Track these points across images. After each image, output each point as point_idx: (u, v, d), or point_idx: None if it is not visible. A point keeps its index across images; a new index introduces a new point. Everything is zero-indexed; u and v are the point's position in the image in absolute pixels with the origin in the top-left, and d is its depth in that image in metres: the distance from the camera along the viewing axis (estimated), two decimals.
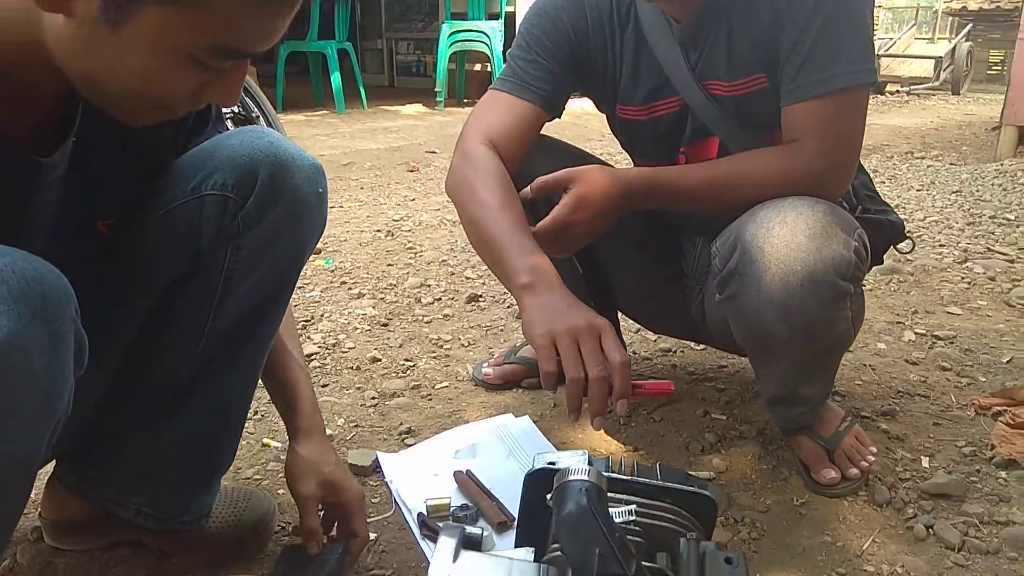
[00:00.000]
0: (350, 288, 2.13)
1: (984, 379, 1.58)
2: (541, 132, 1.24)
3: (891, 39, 10.18)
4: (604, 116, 1.36)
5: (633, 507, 0.72)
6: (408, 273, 2.27)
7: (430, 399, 1.49)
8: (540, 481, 0.81)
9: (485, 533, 0.73)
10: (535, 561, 0.71)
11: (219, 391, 0.95)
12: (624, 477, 0.80)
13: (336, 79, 5.78)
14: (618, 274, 1.40)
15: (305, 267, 0.99)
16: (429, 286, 2.15)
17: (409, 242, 2.60)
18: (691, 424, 1.40)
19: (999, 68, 12.04)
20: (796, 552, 1.07)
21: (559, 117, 1.26)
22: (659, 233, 1.38)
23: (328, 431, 1.34)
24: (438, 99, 6.22)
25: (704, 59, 1.17)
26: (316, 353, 1.68)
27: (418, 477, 1.19)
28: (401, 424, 1.38)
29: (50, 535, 1.02)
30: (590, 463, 0.74)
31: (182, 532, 0.97)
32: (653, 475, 0.82)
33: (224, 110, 1.07)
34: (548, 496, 0.71)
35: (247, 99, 2.69)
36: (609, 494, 0.72)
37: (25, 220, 0.74)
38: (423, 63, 8.04)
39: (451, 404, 1.46)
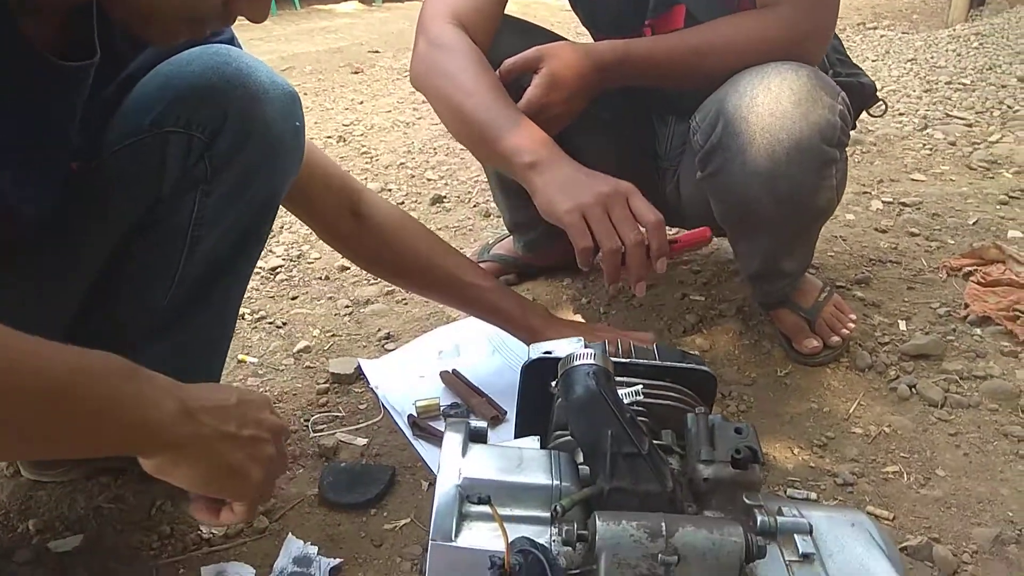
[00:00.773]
0: None
1: (952, 241, 1.60)
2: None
3: None
4: (553, 5, 1.27)
5: (640, 387, 0.71)
6: (366, 178, 2.18)
7: (405, 303, 1.45)
8: (538, 371, 0.79)
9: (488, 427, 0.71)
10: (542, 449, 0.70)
11: (198, 327, 0.90)
12: (623, 360, 0.79)
13: None
14: (587, 161, 1.35)
15: None
16: (390, 190, 2.08)
17: (363, 147, 2.50)
18: (670, 307, 1.39)
19: None
20: (784, 421, 1.09)
21: None
22: (629, 115, 1.32)
23: (304, 343, 1.31)
24: None
25: None
26: (281, 266, 1.62)
27: (403, 380, 1.17)
28: (379, 330, 1.35)
29: (27, 468, 0.97)
30: (579, 349, 0.72)
31: None
32: (651, 356, 0.81)
33: None
34: (553, 384, 0.69)
35: None
36: None
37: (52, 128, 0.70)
38: None
39: (428, 307, 1.43)
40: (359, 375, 1.20)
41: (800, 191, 1.00)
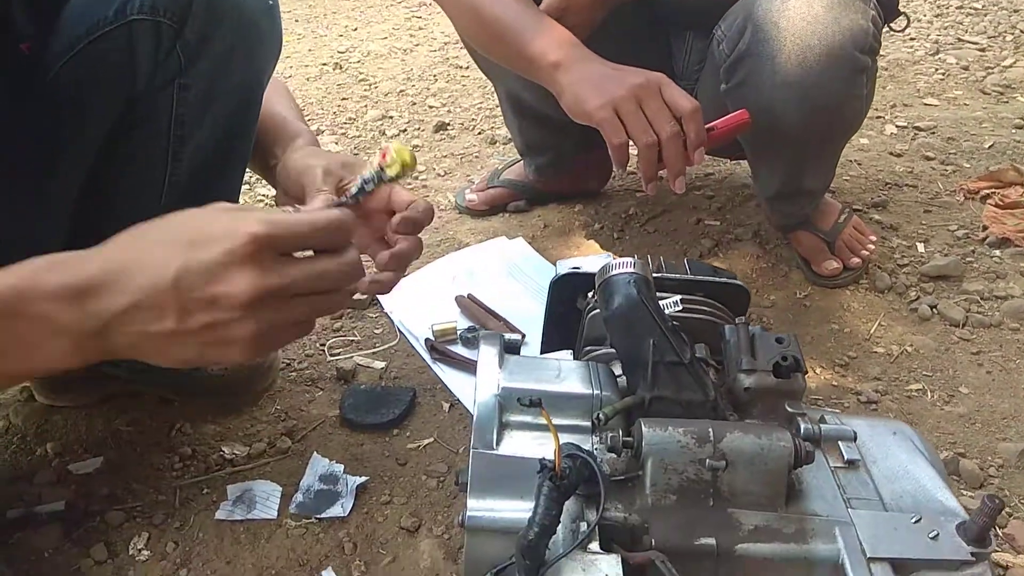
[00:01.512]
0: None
1: (968, 165, 1.57)
2: None
3: None
4: None
5: (679, 298, 0.69)
6: (366, 106, 2.12)
7: None
8: (567, 286, 0.78)
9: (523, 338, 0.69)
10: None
11: None
12: (655, 274, 0.77)
13: None
14: None
15: None
16: (391, 118, 2.02)
17: (360, 74, 2.42)
18: (685, 232, 1.37)
19: None
20: (805, 342, 1.08)
21: None
22: (645, 32, 1.27)
23: None
24: None
25: None
26: None
27: (419, 305, 1.15)
28: None
29: (41, 393, 0.96)
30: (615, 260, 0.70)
31: (181, 375, 0.92)
32: (682, 270, 0.79)
33: None
34: (590, 295, 0.67)
35: None
36: None
37: None
38: None
39: (438, 233, 1.40)
40: (373, 300, 1.18)
41: (831, 100, 0.97)
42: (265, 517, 0.81)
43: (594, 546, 0.50)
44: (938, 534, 0.53)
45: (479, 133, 1.89)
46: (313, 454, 0.87)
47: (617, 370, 0.65)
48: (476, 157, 1.76)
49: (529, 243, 1.32)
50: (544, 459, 0.49)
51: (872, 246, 1.22)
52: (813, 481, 0.57)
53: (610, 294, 0.63)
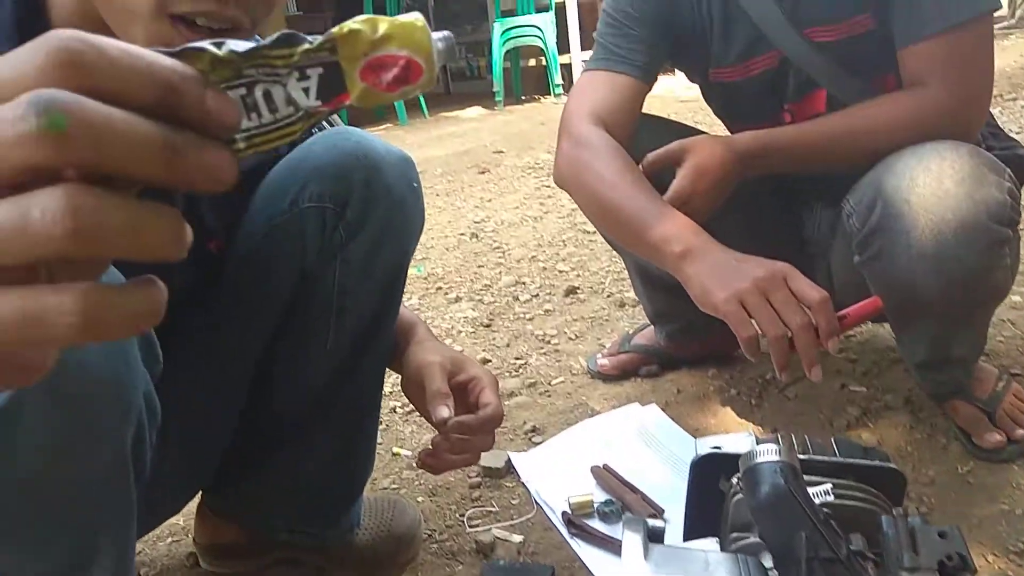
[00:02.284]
0: (446, 293, 2.12)
1: None
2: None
3: None
4: (664, 98, 1.29)
5: (829, 486, 0.67)
6: (500, 272, 2.25)
7: (549, 395, 1.46)
8: (708, 467, 0.77)
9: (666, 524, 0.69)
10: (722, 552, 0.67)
11: (350, 403, 0.94)
12: (802, 456, 0.75)
13: None
14: (731, 248, 1.34)
15: None
16: (524, 283, 2.12)
17: (495, 242, 2.58)
18: (829, 399, 1.32)
19: None
20: (972, 524, 0.99)
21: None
22: (772, 200, 1.31)
23: None
24: (497, 99, 6.21)
25: (801, 4, 1.10)
26: None
27: (555, 475, 1.16)
28: (525, 423, 1.35)
29: (206, 560, 1.03)
30: (759, 444, 0.69)
31: (334, 546, 0.97)
32: (830, 450, 0.77)
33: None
34: (734, 480, 0.67)
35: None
36: None
37: None
38: (476, 66, 8.05)
39: (571, 399, 1.43)
40: (510, 469, 1.21)
41: (970, 273, 0.95)
42: None
43: None
44: None
45: (608, 296, 1.95)
46: None
47: (767, 562, 0.63)
48: (606, 320, 1.80)
49: (663, 409, 1.32)
50: None
51: None
52: None
53: (756, 483, 0.62)
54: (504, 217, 2.91)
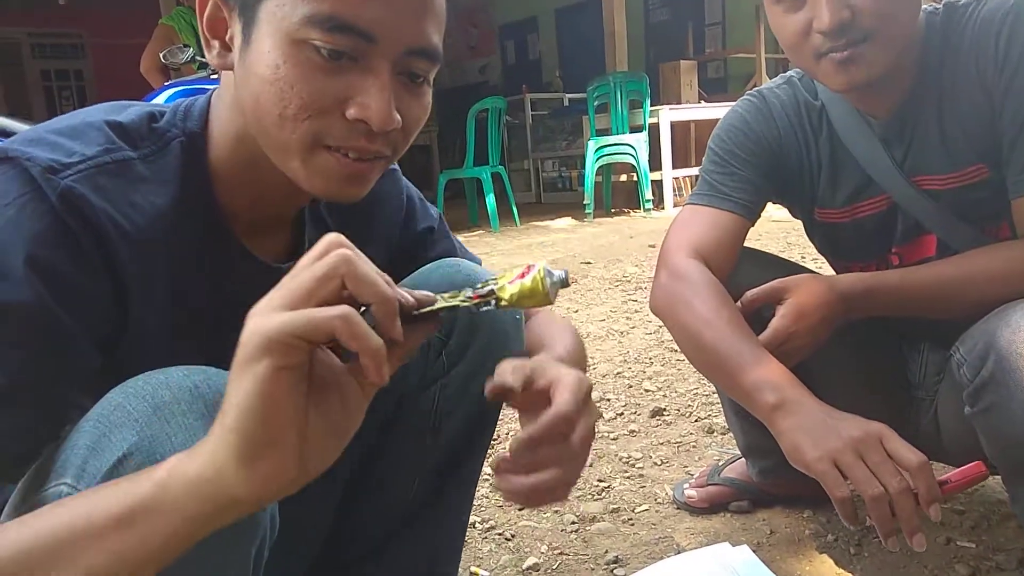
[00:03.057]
0: None
1: None
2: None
3: None
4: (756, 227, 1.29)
5: None
6: None
7: (632, 524, 1.42)
8: None
9: None
10: None
11: (438, 520, 0.95)
12: None
13: (491, 201, 6.07)
14: (835, 388, 1.29)
15: None
16: (609, 400, 2.11)
17: None
18: (934, 554, 1.24)
19: None
20: None
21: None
22: (877, 340, 1.28)
23: (533, 559, 1.31)
24: (586, 211, 6.36)
25: (913, 154, 1.10)
26: None
27: None
28: (607, 552, 1.32)
29: None
30: None
31: None
32: None
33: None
34: None
35: None
36: None
37: None
38: (568, 178, 8.31)
39: (656, 530, 1.39)
40: None
41: None
42: None
43: None
44: None
45: (696, 421, 1.91)
46: None
47: None
48: (693, 447, 1.76)
49: (754, 551, 1.26)
50: None
51: None
52: None
53: None
54: (590, 329, 2.93)
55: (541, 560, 1.32)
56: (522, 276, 0.54)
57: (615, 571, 1.26)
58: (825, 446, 0.85)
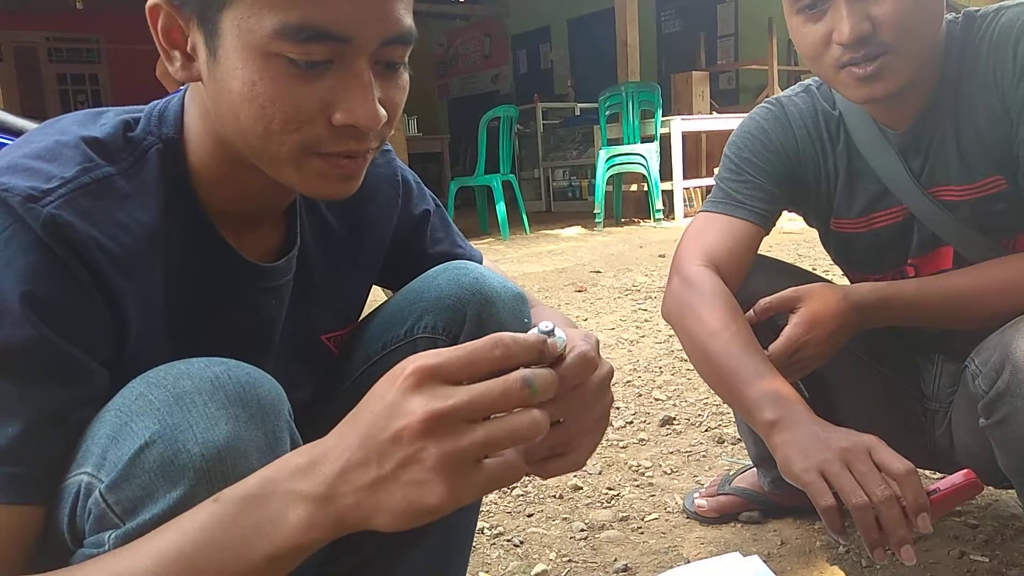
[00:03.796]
0: None
1: None
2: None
3: None
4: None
5: None
6: None
7: (641, 532, 1.41)
8: None
9: None
10: None
11: (447, 520, 0.94)
12: None
13: (501, 209, 6.08)
14: (848, 398, 1.29)
15: None
16: (618, 408, 2.10)
17: None
18: (947, 568, 1.23)
19: None
20: None
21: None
22: (891, 351, 1.27)
23: (541, 565, 1.31)
24: (597, 220, 6.36)
25: (930, 165, 1.10)
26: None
27: None
28: (615, 560, 1.31)
29: None
30: None
31: None
32: None
33: None
34: None
35: None
36: None
37: (261, 328, 0.79)
38: (578, 187, 8.33)
39: (665, 539, 1.38)
40: None
41: None
42: None
43: None
44: None
45: (706, 430, 1.90)
46: None
47: None
48: (703, 456, 1.75)
49: (765, 561, 1.25)
50: None
51: None
52: None
53: None
54: (599, 338, 2.90)
55: (549, 567, 1.31)
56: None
57: None
58: (812, 457, 0.85)
